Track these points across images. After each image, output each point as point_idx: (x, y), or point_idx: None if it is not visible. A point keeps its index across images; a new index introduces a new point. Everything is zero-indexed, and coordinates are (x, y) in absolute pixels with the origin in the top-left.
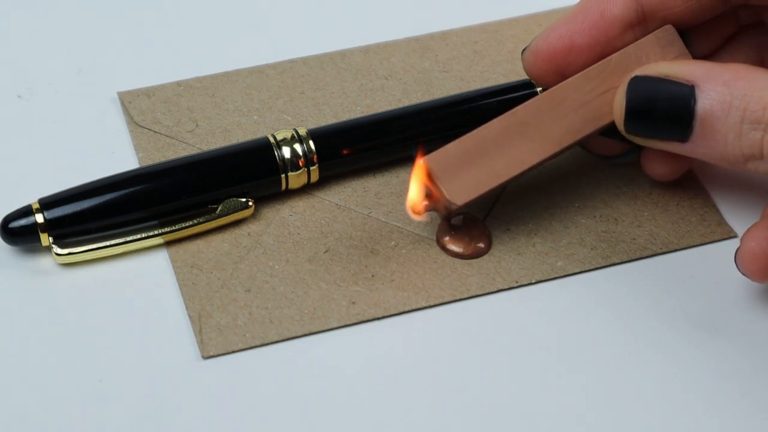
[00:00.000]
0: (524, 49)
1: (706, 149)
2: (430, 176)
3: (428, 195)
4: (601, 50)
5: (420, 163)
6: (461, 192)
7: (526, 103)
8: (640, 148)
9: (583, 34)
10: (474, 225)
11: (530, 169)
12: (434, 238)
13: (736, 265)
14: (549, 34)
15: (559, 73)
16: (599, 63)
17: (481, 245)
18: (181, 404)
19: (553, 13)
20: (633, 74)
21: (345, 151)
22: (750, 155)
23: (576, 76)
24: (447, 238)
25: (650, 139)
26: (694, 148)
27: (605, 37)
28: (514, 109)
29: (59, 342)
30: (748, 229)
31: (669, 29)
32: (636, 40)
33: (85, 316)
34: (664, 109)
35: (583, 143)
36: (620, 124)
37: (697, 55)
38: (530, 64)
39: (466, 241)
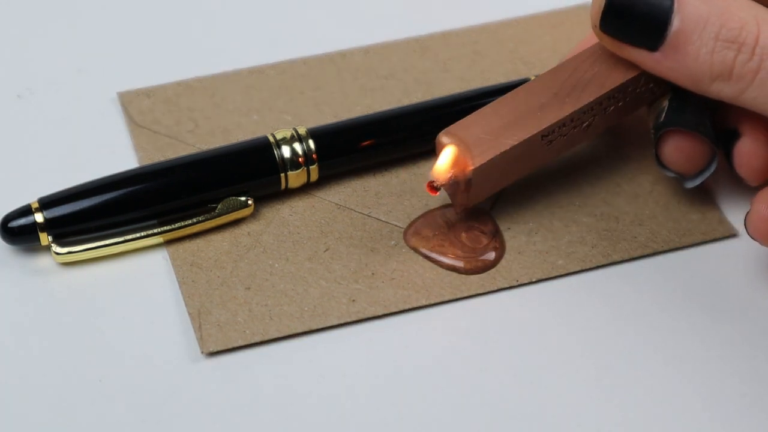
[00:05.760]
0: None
1: (674, 63)
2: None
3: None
4: None
5: (446, 137)
6: (482, 153)
7: (540, 76)
8: (716, 160)
9: None
10: (480, 235)
11: (549, 130)
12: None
13: (746, 228)
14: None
15: None
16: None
17: (490, 257)
18: (182, 403)
19: (554, 14)
20: None
21: (345, 151)
22: (718, 74)
23: (584, 50)
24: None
25: (620, 44)
26: (662, 60)
27: None
28: (530, 82)
29: (59, 341)
30: (760, 192)
31: None
32: None
33: (85, 315)
34: (641, 12)
35: (660, 159)
36: (596, 20)
37: None
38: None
39: (470, 251)
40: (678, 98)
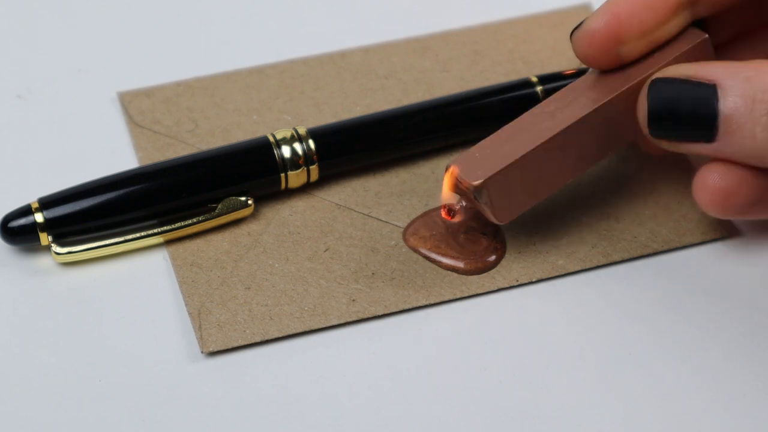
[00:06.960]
0: (574, 30)
1: (735, 147)
2: (455, 174)
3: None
4: (653, 37)
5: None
6: (480, 174)
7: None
8: None
9: (633, 16)
10: (479, 238)
11: (545, 148)
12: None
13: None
14: (600, 16)
15: (611, 55)
16: (633, 83)
17: (491, 258)
18: (182, 403)
19: (554, 13)
20: (653, 77)
21: (345, 151)
22: None
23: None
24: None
25: (676, 142)
26: (722, 147)
27: (654, 20)
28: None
29: (59, 341)
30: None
31: (706, 42)
32: (685, 23)
33: (85, 315)
34: (687, 111)
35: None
36: (644, 128)
37: (716, 42)
38: (585, 45)
39: (470, 253)
40: None
